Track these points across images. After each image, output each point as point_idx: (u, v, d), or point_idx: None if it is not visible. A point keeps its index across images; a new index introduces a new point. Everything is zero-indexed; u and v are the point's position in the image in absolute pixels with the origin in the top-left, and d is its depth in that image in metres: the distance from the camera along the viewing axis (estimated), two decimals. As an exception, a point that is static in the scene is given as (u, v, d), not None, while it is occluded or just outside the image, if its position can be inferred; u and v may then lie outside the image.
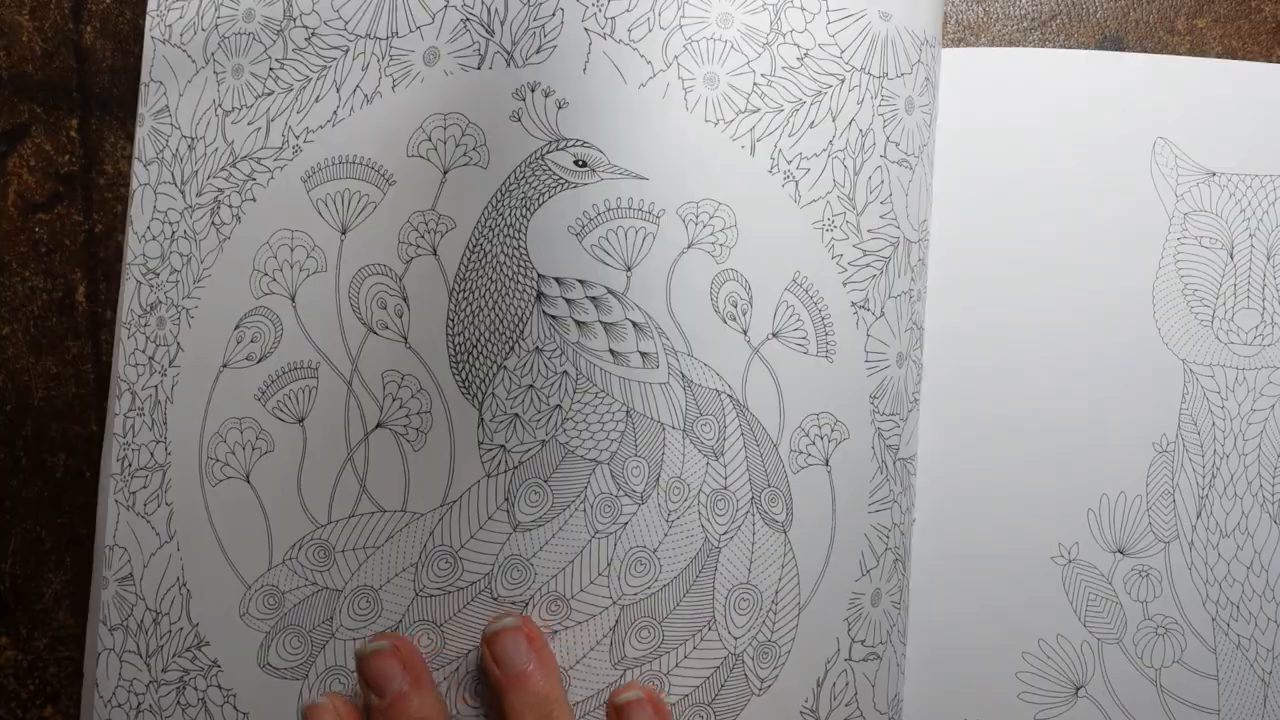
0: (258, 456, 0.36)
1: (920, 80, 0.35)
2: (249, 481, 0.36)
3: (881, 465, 0.35)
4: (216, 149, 0.37)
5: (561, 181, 0.33)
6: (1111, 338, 0.38)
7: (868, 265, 0.34)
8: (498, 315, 0.34)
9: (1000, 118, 0.38)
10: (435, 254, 0.34)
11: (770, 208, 0.33)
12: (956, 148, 0.37)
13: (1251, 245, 0.39)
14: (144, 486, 0.37)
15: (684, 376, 0.33)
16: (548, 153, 0.33)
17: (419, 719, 0.32)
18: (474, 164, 0.34)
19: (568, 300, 0.33)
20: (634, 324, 0.33)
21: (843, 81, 0.34)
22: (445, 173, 0.34)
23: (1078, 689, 0.38)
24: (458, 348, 0.34)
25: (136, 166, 0.38)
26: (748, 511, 0.33)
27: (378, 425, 0.34)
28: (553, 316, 0.33)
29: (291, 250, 0.35)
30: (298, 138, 0.36)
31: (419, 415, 0.34)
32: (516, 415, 0.33)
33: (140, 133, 0.38)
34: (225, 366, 0.36)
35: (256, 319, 0.36)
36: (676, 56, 0.33)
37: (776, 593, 0.34)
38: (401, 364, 0.34)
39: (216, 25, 0.38)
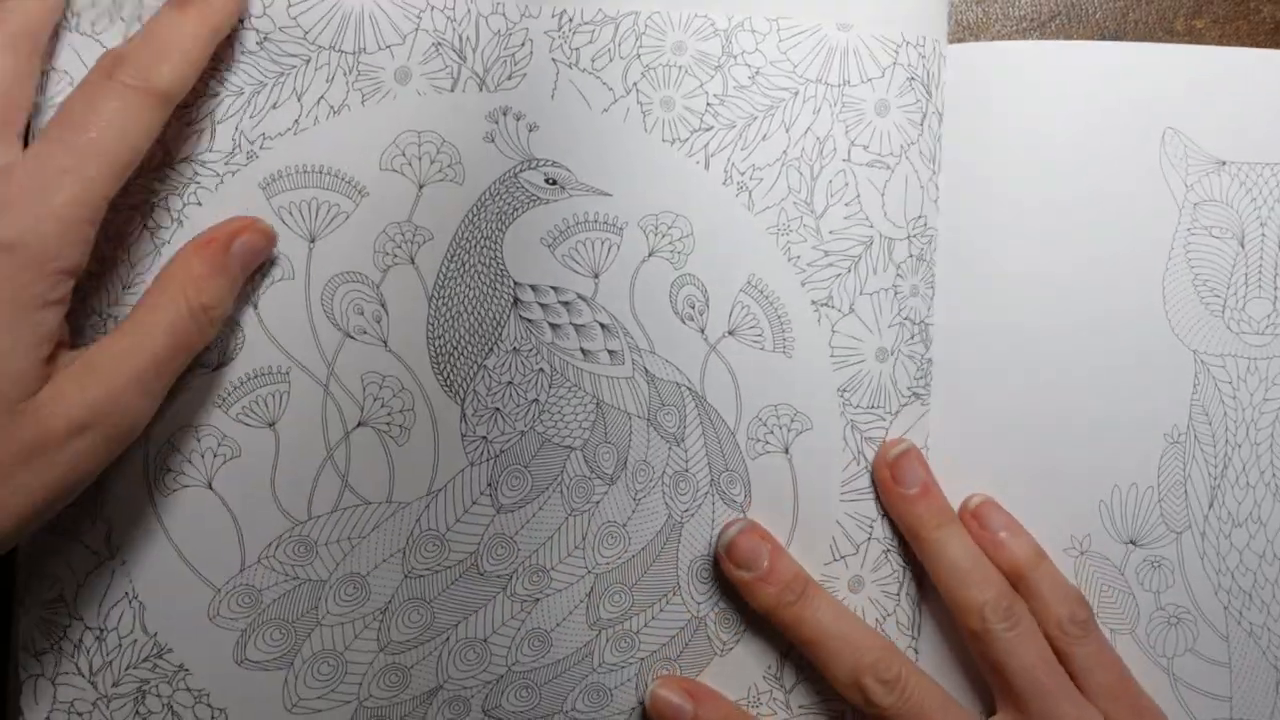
0: (220, 463, 0.39)
1: (900, 82, 0.40)
2: (212, 488, 0.39)
3: (859, 456, 0.41)
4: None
5: (534, 198, 0.38)
6: (1122, 330, 0.41)
7: (830, 265, 0.40)
8: (477, 319, 0.38)
9: (1007, 111, 0.41)
10: (413, 263, 0.38)
11: (724, 216, 0.39)
12: (964, 143, 0.41)
13: (1263, 234, 0.40)
14: (70, 505, 0.35)
15: (647, 371, 0.39)
16: (520, 171, 0.38)
17: (790, 575, 0.39)
18: (449, 180, 0.38)
19: (542, 305, 0.38)
20: (602, 325, 0.38)
21: (796, 94, 0.40)
22: (421, 187, 0.38)
23: None
24: (439, 350, 0.38)
25: None
26: (708, 492, 0.39)
27: (359, 424, 0.39)
28: (528, 320, 0.38)
29: None
30: (252, 143, 0.39)
31: (401, 413, 0.38)
32: (497, 409, 0.38)
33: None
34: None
35: None
36: (635, 83, 0.38)
37: None
38: (381, 366, 0.38)
39: (140, 17, 0.38)
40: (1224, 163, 0.41)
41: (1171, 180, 0.41)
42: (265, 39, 0.39)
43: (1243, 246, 0.41)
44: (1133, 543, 0.41)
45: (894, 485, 0.40)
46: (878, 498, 0.41)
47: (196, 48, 0.35)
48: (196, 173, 0.39)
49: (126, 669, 0.39)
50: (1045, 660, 0.38)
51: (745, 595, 0.39)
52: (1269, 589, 0.41)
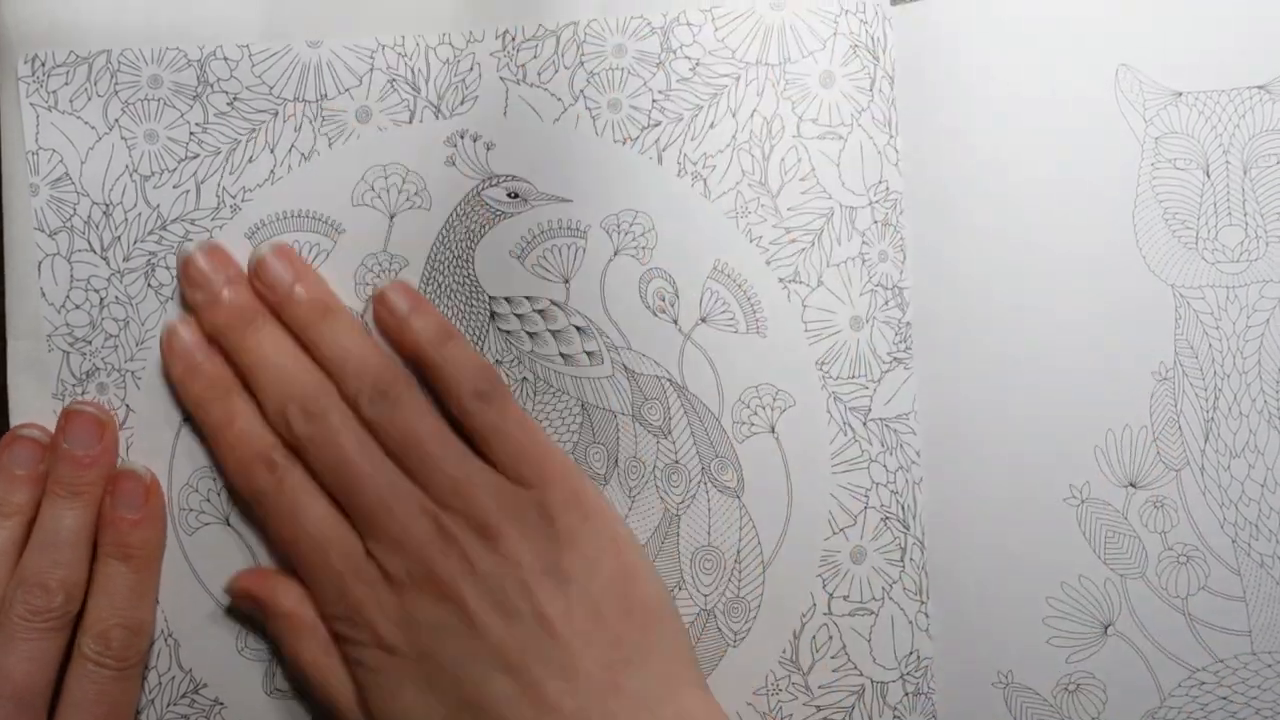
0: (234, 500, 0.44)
1: (842, 51, 0.43)
2: (229, 524, 0.44)
3: (845, 427, 0.43)
4: (140, 214, 0.44)
5: (498, 213, 0.41)
6: (1097, 273, 0.43)
7: (793, 241, 0.43)
8: (457, 337, 0.41)
9: (961, 66, 0.43)
10: None
11: (682, 207, 0.43)
12: (921, 102, 0.43)
13: (1227, 161, 0.42)
14: None
15: (626, 368, 0.41)
16: (483, 190, 0.41)
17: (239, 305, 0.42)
18: (418, 207, 0.41)
19: (518, 315, 0.41)
20: (577, 328, 0.41)
21: (738, 79, 0.44)
22: (392, 217, 0.42)
23: (1106, 627, 0.43)
24: (425, 372, 0.41)
25: (39, 238, 0.44)
26: (700, 481, 0.41)
27: None
28: (506, 332, 0.41)
29: None
30: (234, 197, 0.44)
31: None
32: (486, 423, 0.41)
33: (36, 202, 0.44)
34: (186, 421, 0.44)
35: None
36: (582, 90, 0.41)
37: (739, 553, 0.43)
38: None
39: (116, 91, 0.43)
40: (1180, 94, 0.43)
41: (1130, 116, 0.43)
42: (235, 99, 0.44)
43: (1208, 176, 0.42)
44: (1132, 485, 0.43)
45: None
46: (878, 463, 0.42)
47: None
48: (188, 231, 0.44)
49: (168, 706, 0.43)
50: (435, 430, 0.40)
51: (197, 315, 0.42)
52: (1275, 518, 0.43)
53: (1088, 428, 0.43)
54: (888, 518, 0.43)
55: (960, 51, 0.44)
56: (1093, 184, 0.43)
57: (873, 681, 0.43)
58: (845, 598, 0.43)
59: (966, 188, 0.43)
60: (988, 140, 0.43)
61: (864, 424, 0.43)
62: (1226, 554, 0.42)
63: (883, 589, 0.43)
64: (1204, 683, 0.43)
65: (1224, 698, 0.43)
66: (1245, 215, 0.42)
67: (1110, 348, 0.43)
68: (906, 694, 0.43)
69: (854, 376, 0.43)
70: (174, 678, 0.43)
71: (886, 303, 0.43)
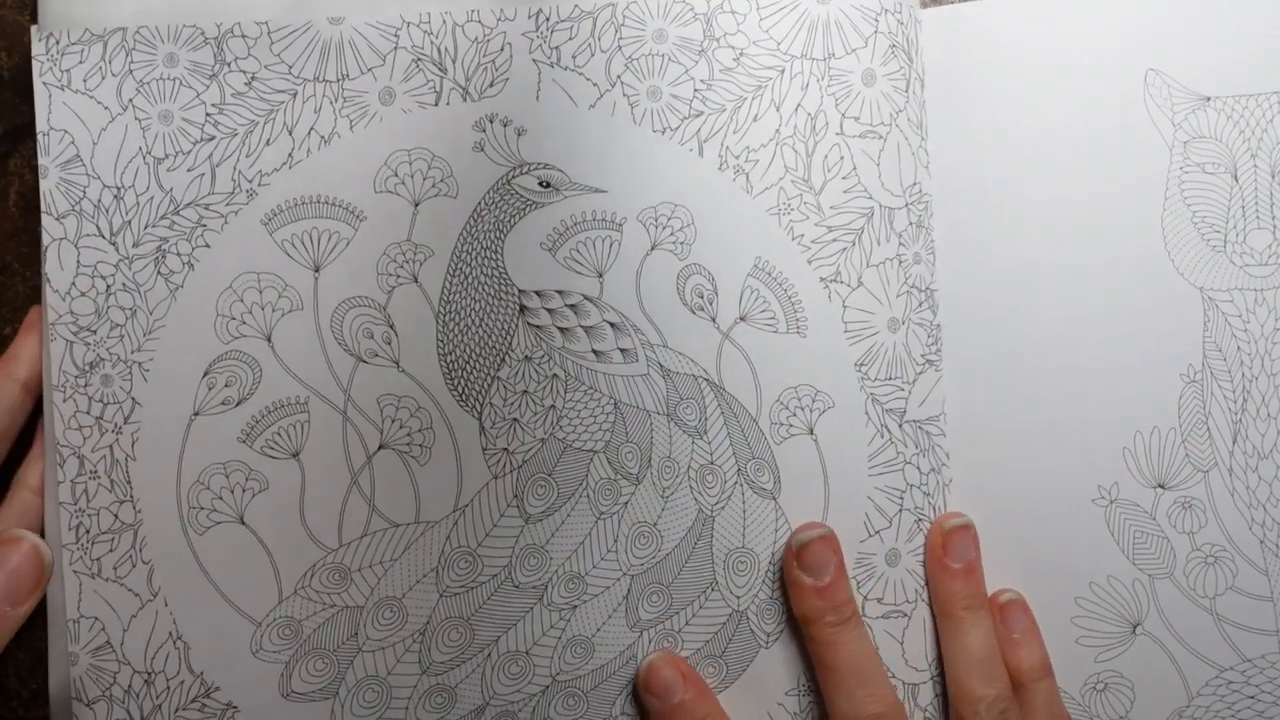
0: (250, 497, 0.43)
1: (883, 50, 0.43)
2: (243, 522, 0.43)
3: (882, 429, 0.43)
4: (152, 197, 0.43)
5: (529, 203, 0.39)
6: (1126, 275, 0.44)
7: (834, 240, 0.43)
8: (485, 331, 0.39)
9: (987, 72, 0.44)
10: (417, 281, 0.40)
11: (724, 202, 0.41)
12: (952, 105, 0.44)
13: (1255, 165, 0.43)
14: (110, 550, 0.42)
15: (662, 366, 0.40)
16: (513, 178, 0.39)
17: (844, 598, 0.41)
18: (444, 194, 0.40)
19: (549, 310, 0.40)
20: (611, 324, 0.40)
21: (783, 72, 0.43)
22: (417, 205, 0.40)
23: (1135, 627, 0.44)
24: (451, 366, 0.40)
25: (47, 221, 0.43)
26: (736, 482, 0.40)
27: (380, 447, 0.41)
28: (537, 327, 0.39)
29: (260, 292, 0.42)
30: (250, 181, 0.43)
31: (421, 432, 0.40)
32: (515, 419, 0.39)
33: (46, 185, 0.43)
34: (197, 414, 0.43)
35: (229, 364, 0.43)
36: (619, 76, 0.39)
37: (773, 555, 0.40)
38: (396, 387, 0.40)
39: (130, 70, 0.42)
40: (1208, 98, 0.44)
41: (1159, 121, 0.44)
42: (253, 79, 0.43)
43: (1236, 180, 0.43)
44: (1161, 486, 0.44)
45: (941, 554, 0.43)
46: (912, 465, 0.43)
47: None
48: (201, 216, 0.43)
49: (176, 711, 0.42)
50: None
51: (794, 596, 0.43)
52: (1303, 518, 0.46)
53: (1116, 429, 0.44)
54: (920, 519, 0.43)
55: (989, 55, 0.44)
56: (1121, 187, 0.44)
57: (903, 684, 0.42)
58: (879, 600, 0.43)
59: (995, 190, 0.44)
60: (1016, 143, 0.44)
61: (900, 426, 0.43)
62: (1254, 554, 0.44)
63: (915, 591, 0.43)
64: (1231, 682, 0.44)
65: (1251, 696, 0.44)
66: (1273, 218, 0.44)
67: (1138, 350, 0.44)
68: (935, 695, 0.43)
69: (891, 378, 0.43)
70: (183, 682, 0.42)
71: (920, 304, 0.43)
